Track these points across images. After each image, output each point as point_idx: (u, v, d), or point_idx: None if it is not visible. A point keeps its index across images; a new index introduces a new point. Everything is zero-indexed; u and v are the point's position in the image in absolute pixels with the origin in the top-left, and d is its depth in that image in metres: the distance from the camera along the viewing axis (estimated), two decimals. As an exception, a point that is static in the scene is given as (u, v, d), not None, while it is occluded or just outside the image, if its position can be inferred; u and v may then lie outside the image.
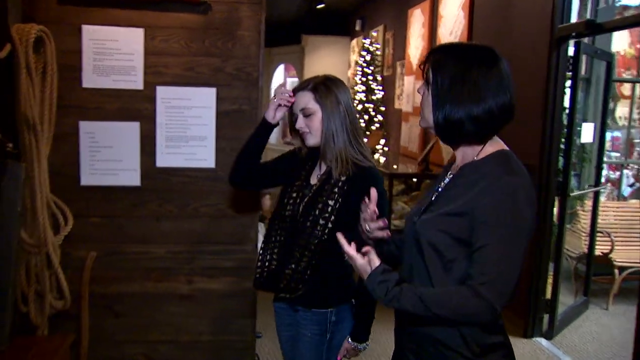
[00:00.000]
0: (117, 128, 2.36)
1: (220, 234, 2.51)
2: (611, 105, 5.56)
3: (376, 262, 1.27)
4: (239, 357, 2.58)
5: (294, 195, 1.89)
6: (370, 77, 7.93)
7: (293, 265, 1.80)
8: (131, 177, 2.39)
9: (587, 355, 3.75)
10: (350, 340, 1.85)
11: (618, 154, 5.95)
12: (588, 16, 4.54)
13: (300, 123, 1.83)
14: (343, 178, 1.81)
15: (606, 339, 4.01)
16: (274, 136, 12.17)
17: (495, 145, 1.35)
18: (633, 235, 4.77)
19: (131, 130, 2.37)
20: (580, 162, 4.89)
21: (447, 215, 1.29)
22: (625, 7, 5.37)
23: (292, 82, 12.41)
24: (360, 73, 7.98)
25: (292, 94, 1.86)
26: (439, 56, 1.31)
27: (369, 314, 1.84)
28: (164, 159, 2.42)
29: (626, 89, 5.89)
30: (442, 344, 1.32)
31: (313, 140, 1.84)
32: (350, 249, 1.31)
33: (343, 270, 1.85)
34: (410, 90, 6.91)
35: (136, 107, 2.37)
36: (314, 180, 1.90)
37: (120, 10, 2.32)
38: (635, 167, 5.97)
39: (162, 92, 2.37)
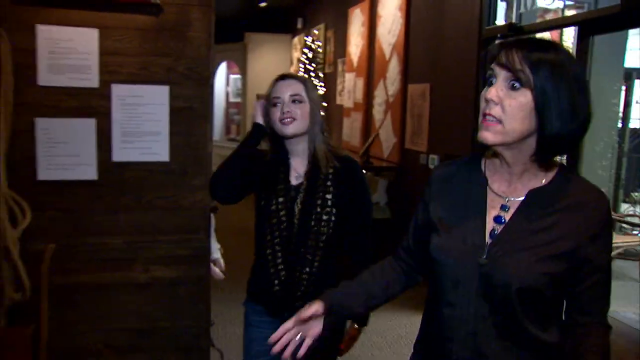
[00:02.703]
0: (73, 124, 2.45)
1: (174, 224, 2.64)
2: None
3: None
4: (195, 342, 2.71)
5: (282, 200, 1.88)
6: (312, 74, 8.15)
7: (307, 269, 1.82)
8: (88, 171, 2.48)
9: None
10: (356, 325, 1.86)
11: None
12: (514, 18, 4.93)
13: (290, 107, 1.83)
14: (331, 170, 1.87)
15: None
16: (217, 131, 12.18)
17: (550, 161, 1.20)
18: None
19: (87, 126, 2.46)
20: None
21: (550, 257, 1.13)
22: (546, 10, 5.81)
23: (235, 79, 12.45)
24: (303, 70, 8.18)
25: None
26: (537, 55, 1.08)
27: None
28: (120, 154, 2.52)
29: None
30: None
31: (295, 128, 1.84)
32: None
33: (338, 261, 1.91)
34: (351, 87, 7.17)
35: (92, 104, 2.46)
36: (294, 180, 1.91)
37: (74, 10, 2.40)
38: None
39: (117, 89, 2.48)
